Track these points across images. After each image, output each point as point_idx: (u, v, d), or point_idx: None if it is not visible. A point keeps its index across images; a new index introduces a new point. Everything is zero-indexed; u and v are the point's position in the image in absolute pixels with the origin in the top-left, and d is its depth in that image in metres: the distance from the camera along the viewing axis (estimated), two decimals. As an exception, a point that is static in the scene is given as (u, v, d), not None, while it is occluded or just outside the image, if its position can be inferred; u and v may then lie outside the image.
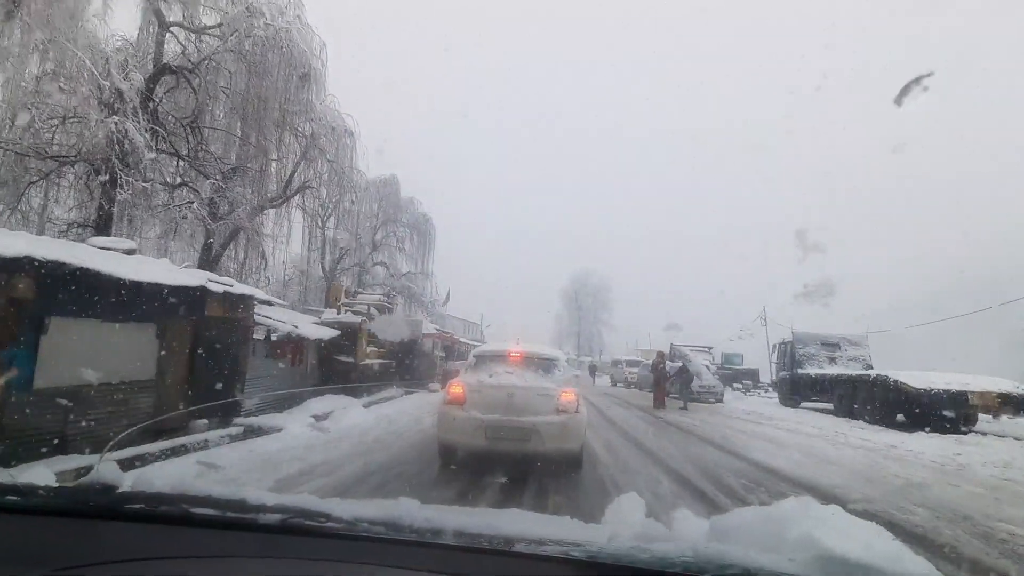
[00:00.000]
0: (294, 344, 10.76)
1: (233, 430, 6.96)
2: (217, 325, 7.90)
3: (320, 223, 20.53)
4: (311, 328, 10.99)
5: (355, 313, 13.38)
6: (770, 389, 27.24)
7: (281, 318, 10.69)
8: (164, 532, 1.13)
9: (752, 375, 29.27)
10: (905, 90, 2.86)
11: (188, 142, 12.54)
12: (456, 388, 5.24)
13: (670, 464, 5.90)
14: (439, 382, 15.95)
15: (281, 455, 5.41)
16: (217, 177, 12.47)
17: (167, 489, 1.33)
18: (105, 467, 1.84)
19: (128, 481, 1.42)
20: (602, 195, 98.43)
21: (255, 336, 11.84)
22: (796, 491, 4.81)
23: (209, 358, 7.67)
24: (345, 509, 1.19)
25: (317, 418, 8.34)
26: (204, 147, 12.74)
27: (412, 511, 1.20)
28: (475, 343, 37.90)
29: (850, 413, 12.61)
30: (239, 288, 7.94)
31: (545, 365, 5.67)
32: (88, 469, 5.22)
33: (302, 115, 14.39)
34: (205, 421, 6.92)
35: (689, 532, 1.34)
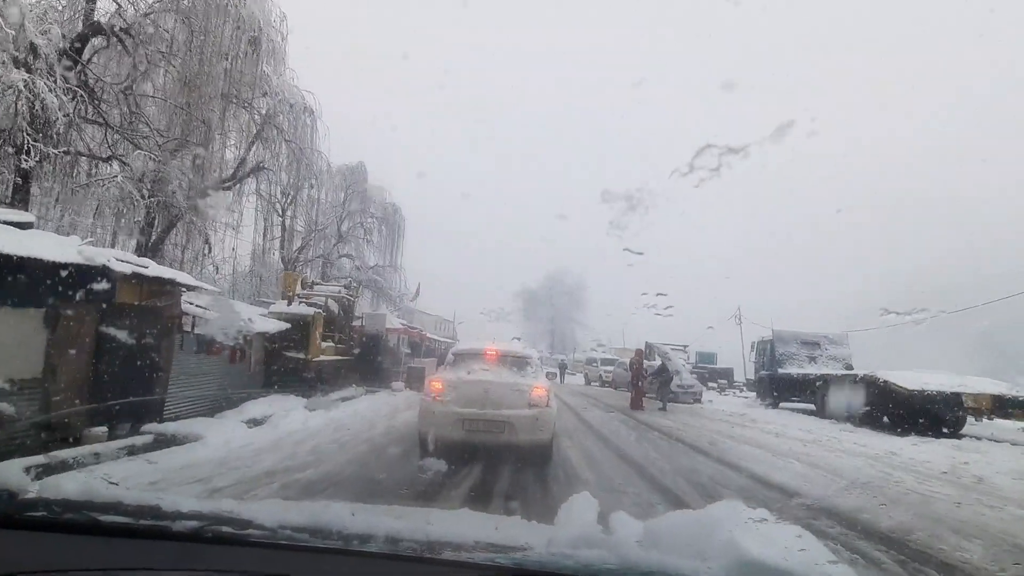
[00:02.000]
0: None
1: (140, 439, 5.79)
2: (131, 314, 6.68)
3: (279, 209, 19.16)
4: (255, 321, 9.77)
5: (311, 306, 12.14)
6: (745, 388, 26.98)
7: (218, 308, 9.45)
8: (69, 542, 1.06)
9: (727, 374, 28.97)
10: None
11: (121, 111, 11.16)
12: (436, 384, 5.54)
13: (661, 480, 5.02)
14: (403, 381, 14.83)
15: (180, 474, 4.31)
16: (154, 151, 11.12)
17: (75, 495, 1.23)
18: (7, 471, 1.63)
19: (34, 486, 1.31)
20: (582, 191, 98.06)
21: (195, 329, 10.55)
22: (814, 515, 3.97)
23: (119, 353, 6.45)
24: (269, 514, 1.12)
25: (252, 423, 7.20)
26: (140, 117, 11.37)
27: (342, 516, 1.17)
28: (447, 340, 36.75)
29: (834, 415, 12.06)
30: (156, 270, 6.73)
31: (519, 363, 5.93)
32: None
33: (256, 88, 13.11)
34: (104, 429, 5.72)
35: (625, 535, 1.27)
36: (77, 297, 5.96)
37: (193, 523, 1.07)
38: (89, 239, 7.08)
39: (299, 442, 6.01)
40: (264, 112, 13.90)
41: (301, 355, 10.87)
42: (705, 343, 30.87)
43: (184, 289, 7.92)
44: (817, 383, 13.47)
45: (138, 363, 6.70)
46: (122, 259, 6.32)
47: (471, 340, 7.31)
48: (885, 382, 10.29)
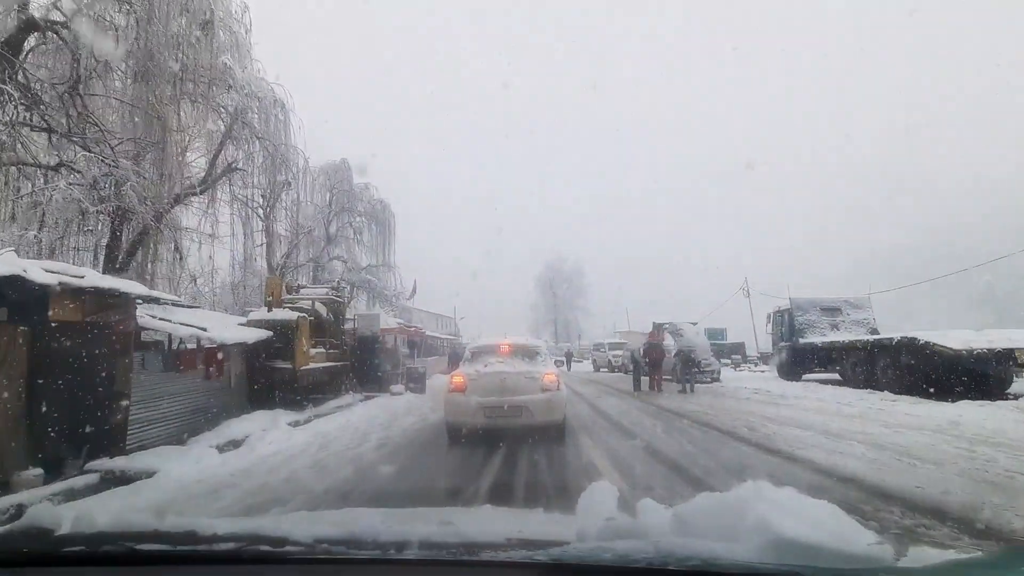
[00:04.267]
0: (210, 352, 8.60)
1: (82, 480, 4.87)
2: (72, 333, 5.75)
3: (262, 213, 18.14)
4: (230, 330, 8.83)
5: (296, 310, 11.20)
6: (760, 362, 26.12)
7: (185, 319, 8.51)
8: (109, 574, 1.09)
9: (739, 349, 28.03)
10: None
11: (68, 113, 10.14)
12: (458, 378, 6.05)
13: (710, 484, 4.10)
14: (403, 384, 13.94)
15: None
16: (107, 155, 10.12)
17: (109, 527, 1.24)
18: (39, 508, 1.44)
19: (67, 522, 1.28)
20: (573, 181, 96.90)
21: (175, 345, 9.62)
22: (923, 520, 3.06)
23: (61, 380, 5.53)
24: (303, 530, 1.14)
25: (225, 447, 6.30)
26: (88, 118, 10.35)
27: (375, 524, 1.19)
28: (450, 337, 35.89)
29: (868, 383, 11.16)
30: (93, 280, 5.77)
31: (529, 353, 6.48)
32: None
33: (219, 82, 12.10)
34: (39, 471, 4.81)
35: (654, 522, 1.25)
36: (-3, 317, 5.04)
37: (231, 544, 1.07)
38: (10, 248, 6.11)
39: (274, 468, 5.08)
40: (232, 109, 12.90)
41: (287, 364, 9.93)
42: (713, 318, 30.02)
43: (140, 301, 6.98)
44: (845, 351, 12.56)
45: (87, 389, 5.77)
46: (50, 269, 5.36)
47: (485, 336, 7.81)
48: (926, 344, 9.37)
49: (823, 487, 3.83)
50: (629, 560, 0.97)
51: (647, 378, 13.06)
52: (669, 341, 15.65)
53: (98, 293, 5.97)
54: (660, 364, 12.87)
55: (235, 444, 6.66)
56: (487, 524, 1.34)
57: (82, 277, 5.65)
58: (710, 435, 6.31)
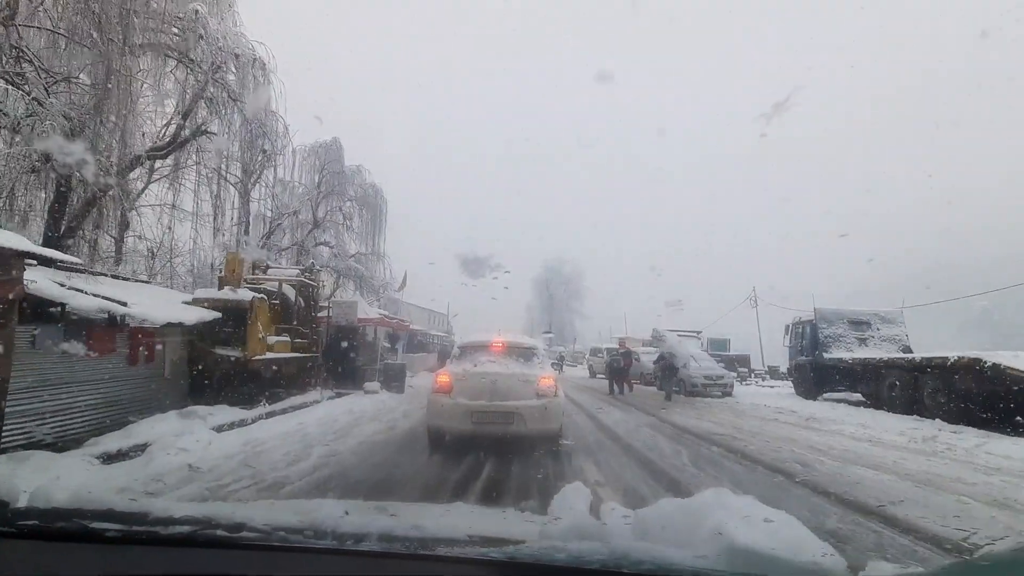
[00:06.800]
0: (137, 333, 7.08)
1: None
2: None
3: (240, 188, 16.54)
4: (162, 309, 7.30)
5: (258, 291, 9.67)
6: (768, 376, 24.68)
7: (113, 293, 7.00)
8: (61, 550, 1.04)
9: (744, 361, 26.44)
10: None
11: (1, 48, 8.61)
12: (443, 377, 5.50)
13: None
14: (379, 381, 12.41)
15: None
16: (39, 95, 8.60)
17: (65, 503, 1.23)
18: None
19: (24, 496, 1.26)
20: (577, 181, 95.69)
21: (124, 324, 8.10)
22: None
23: None
24: (261, 516, 1.10)
25: (117, 456, 4.79)
26: (25, 55, 8.83)
27: (335, 515, 1.16)
28: (441, 334, 34.34)
29: (911, 408, 9.70)
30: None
31: (525, 353, 5.89)
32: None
33: (191, 32, 10.63)
34: None
35: (616, 525, 1.30)
36: None
37: (185, 528, 1.05)
38: None
39: (154, 493, 3.57)
40: (207, 65, 11.37)
41: (236, 352, 8.41)
42: (717, 328, 28.59)
43: (32, 261, 5.45)
44: (881, 369, 11.07)
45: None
46: None
47: (477, 333, 6.97)
48: (996, 367, 7.89)
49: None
50: (582, 561, 0.95)
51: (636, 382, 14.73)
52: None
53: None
54: (628, 370, 14.50)
55: (139, 450, 5.16)
56: (455, 521, 1.35)
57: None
58: (755, 472, 4.80)
